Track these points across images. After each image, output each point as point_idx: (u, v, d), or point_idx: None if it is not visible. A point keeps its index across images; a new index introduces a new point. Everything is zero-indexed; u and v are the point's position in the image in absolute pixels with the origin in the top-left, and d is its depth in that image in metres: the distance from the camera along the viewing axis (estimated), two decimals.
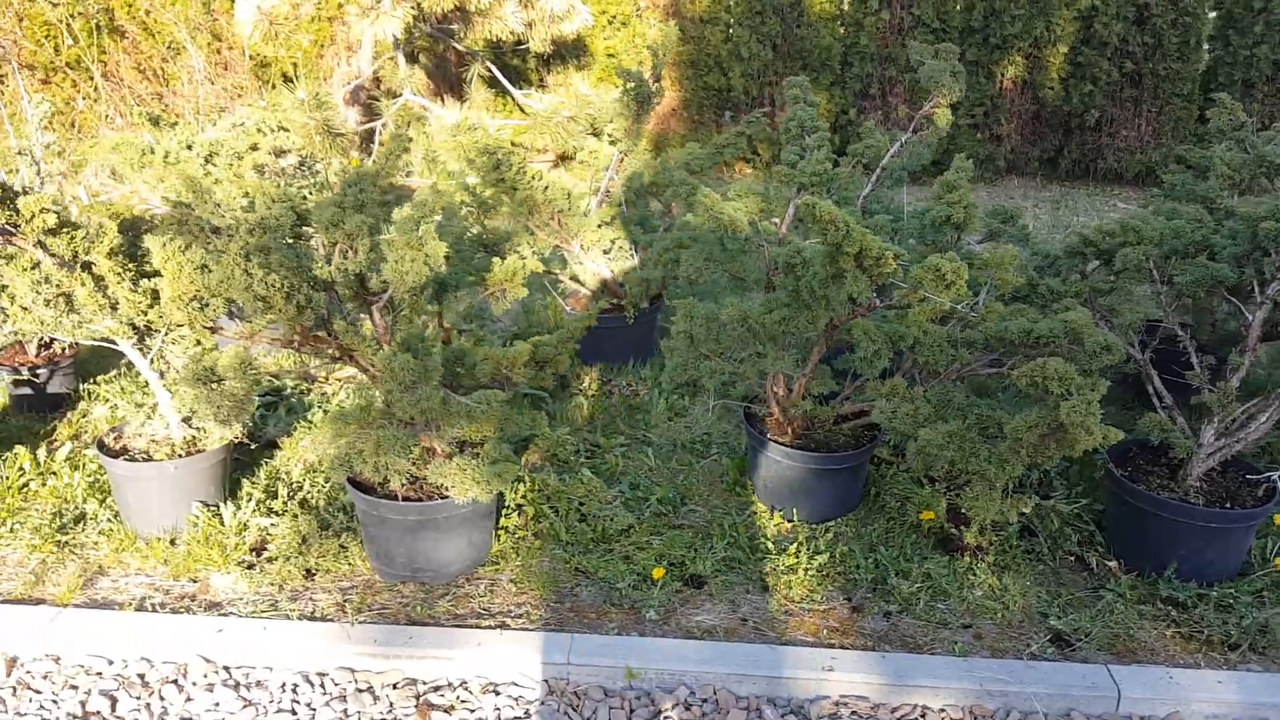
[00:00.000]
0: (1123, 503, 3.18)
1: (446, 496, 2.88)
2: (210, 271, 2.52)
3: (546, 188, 4.05)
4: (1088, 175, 10.03)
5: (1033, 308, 3.25)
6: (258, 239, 2.55)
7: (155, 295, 3.20)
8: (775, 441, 3.39)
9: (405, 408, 2.60)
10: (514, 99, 9.14)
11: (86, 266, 3.13)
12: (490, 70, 9.19)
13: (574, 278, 4.58)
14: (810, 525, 3.42)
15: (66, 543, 3.23)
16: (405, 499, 2.93)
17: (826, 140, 3.34)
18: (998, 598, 3.03)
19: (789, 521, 3.44)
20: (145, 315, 3.18)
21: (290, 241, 2.72)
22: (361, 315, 2.91)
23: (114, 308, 3.15)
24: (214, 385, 2.50)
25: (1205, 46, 9.39)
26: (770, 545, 3.25)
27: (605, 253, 4.46)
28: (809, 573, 3.11)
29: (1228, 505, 3.03)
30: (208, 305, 2.55)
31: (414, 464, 2.89)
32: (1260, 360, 3.09)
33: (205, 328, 2.55)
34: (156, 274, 3.24)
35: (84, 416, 4.12)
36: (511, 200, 4.10)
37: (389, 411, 2.74)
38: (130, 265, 3.18)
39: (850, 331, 2.99)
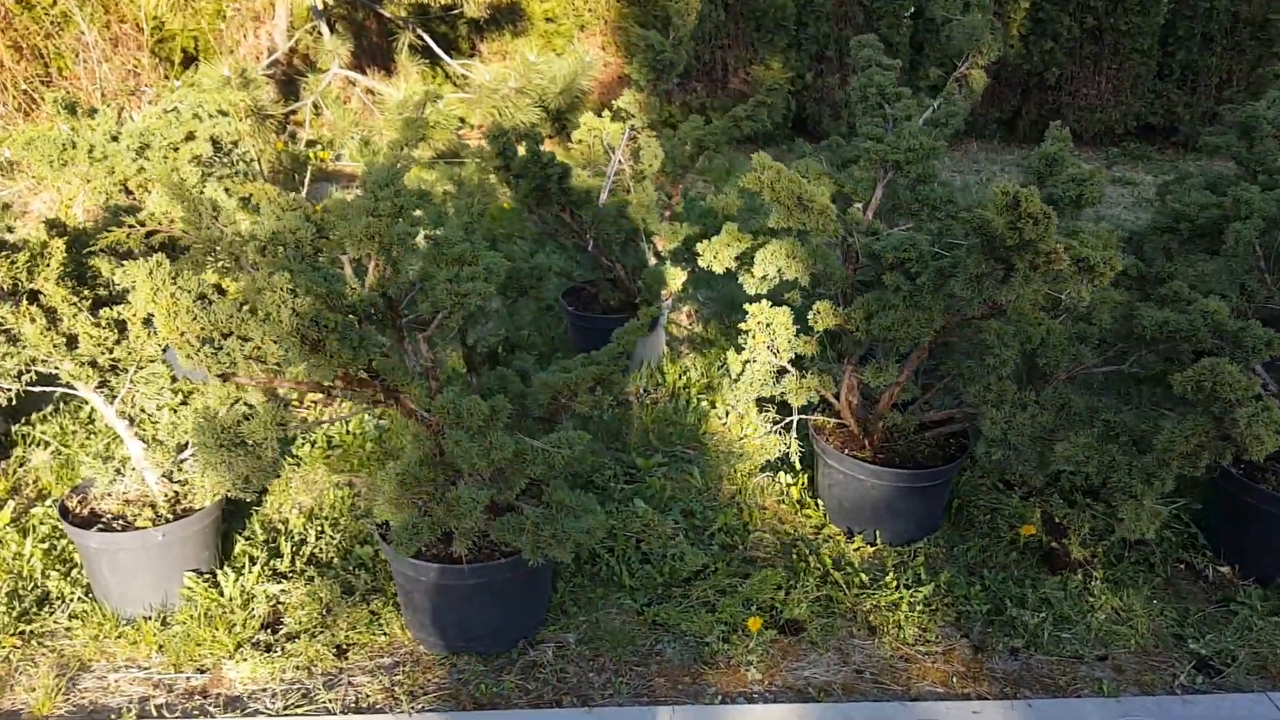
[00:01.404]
0: (1237, 503, 2.91)
1: (512, 554, 2.42)
2: (215, 305, 1.98)
3: (560, 176, 3.55)
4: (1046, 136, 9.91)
5: (1128, 293, 2.94)
6: (275, 259, 2.03)
7: (120, 326, 2.62)
8: (855, 457, 3.01)
9: (472, 458, 2.12)
10: (447, 70, 8.49)
11: (33, 297, 2.53)
12: (422, 39, 8.50)
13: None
14: (895, 549, 3.07)
15: (32, 633, 2.65)
16: (463, 560, 2.45)
17: (913, 109, 2.93)
18: (1124, 620, 2.73)
19: (870, 545, 3.08)
20: (110, 352, 2.60)
21: (314, 264, 2.19)
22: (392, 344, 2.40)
23: (70, 344, 2.57)
24: (238, 449, 1.97)
25: None
26: (864, 577, 2.88)
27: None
28: (915, 608, 2.76)
29: None
30: (221, 348, 2.02)
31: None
32: None
33: (225, 376, 2.02)
34: (116, 300, 2.67)
35: (21, 465, 3.48)
36: (516, 192, 3.59)
37: (445, 463, 2.26)
38: (84, 291, 2.60)
39: (962, 333, 2.62)
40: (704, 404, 3.94)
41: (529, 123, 8.43)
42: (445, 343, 2.39)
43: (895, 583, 2.85)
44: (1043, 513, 3.14)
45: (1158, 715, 2.37)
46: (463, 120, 8.14)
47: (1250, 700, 2.41)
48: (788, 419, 3.21)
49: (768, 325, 2.82)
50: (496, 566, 2.43)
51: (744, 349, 2.93)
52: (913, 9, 9.21)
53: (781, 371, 2.93)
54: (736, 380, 2.96)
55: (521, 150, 3.60)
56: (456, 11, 8.58)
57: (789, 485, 3.35)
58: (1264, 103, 4.41)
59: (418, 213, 2.30)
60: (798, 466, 3.41)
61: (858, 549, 3.06)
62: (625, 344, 2.73)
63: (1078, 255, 1.98)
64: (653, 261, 4.09)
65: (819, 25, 9.28)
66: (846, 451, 3.05)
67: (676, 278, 3.88)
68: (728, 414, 3.90)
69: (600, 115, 9.69)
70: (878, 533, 3.07)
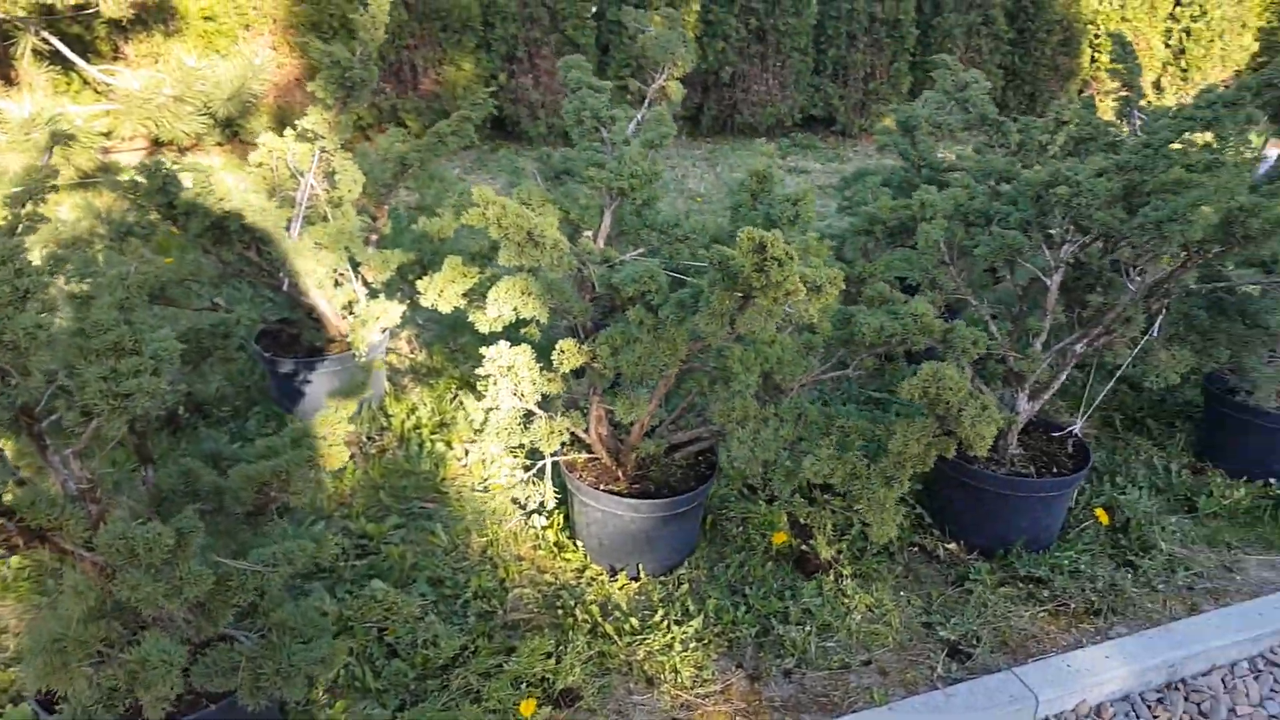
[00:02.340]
0: (955, 483, 3.13)
1: (224, 696, 1.99)
2: None
3: (237, 210, 3.05)
4: (725, 130, 10.49)
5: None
6: None
7: None
8: (612, 493, 2.86)
9: (158, 600, 1.68)
10: (85, 77, 7.31)
11: None
12: (49, 42, 7.24)
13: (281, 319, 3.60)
14: (659, 579, 2.97)
15: None
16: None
17: (625, 131, 2.80)
18: (879, 617, 2.82)
19: (634, 580, 2.96)
20: None
21: None
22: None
23: None
24: None
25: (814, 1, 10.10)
26: (634, 621, 2.74)
27: (336, 284, 3.54)
28: (689, 645, 2.66)
29: (1054, 471, 3.08)
30: None
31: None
32: (1060, 321, 3.15)
33: None
34: None
35: None
36: (187, 229, 3.05)
37: (120, 606, 1.79)
38: None
39: (703, 358, 2.54)
40: (439, 446, 3.62)
41: (194, 133, 7.48)
42: (105, 449, 1.89)
43: (665, 621, 2.74)
44: (789, 516, 3.19)
45: (926, 713, 2.45)
46: (108, 134, 7.04)
47: (1000, 680, 2.57)
48: (539, 463, 2.99)
49: (509, 368, 2.58)
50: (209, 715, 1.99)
51: (484, 395, 2.66)
52: (595, 9, 9.29)
53: (529, 415, 2.71)
54: (480, 431, 2.70)
55: (191, 182, 3.05)
56: (91, 10, 7.38)
57: (544, 528, 3.14)
58: (919, 101, 4.84)
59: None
60: (550, 507, 3.20)
61: (622, 587, 2.92)
62: (337, 419, 2.37)
63: (808, 280, 1.95)
64: (363, 294, 3.68)
65: (506, 26, 9.09)
66: (602, 487, 2.90)
67: (392, 311, 3.52)
68: (467, 454, 3.62)
69: (282, 123, 8.85)
70: (640, 565, 2.96)
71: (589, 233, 2.68)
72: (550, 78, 9.60)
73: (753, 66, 10.16)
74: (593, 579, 2.96)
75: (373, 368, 3.83)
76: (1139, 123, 4.60)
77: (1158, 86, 10.94)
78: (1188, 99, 10.73)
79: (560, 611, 2.79)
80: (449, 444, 3.66)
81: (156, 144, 7.66)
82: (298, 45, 8.43)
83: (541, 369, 2.68)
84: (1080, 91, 11.05)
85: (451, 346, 4.59)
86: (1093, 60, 10.76)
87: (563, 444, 2.90)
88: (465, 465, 3.56)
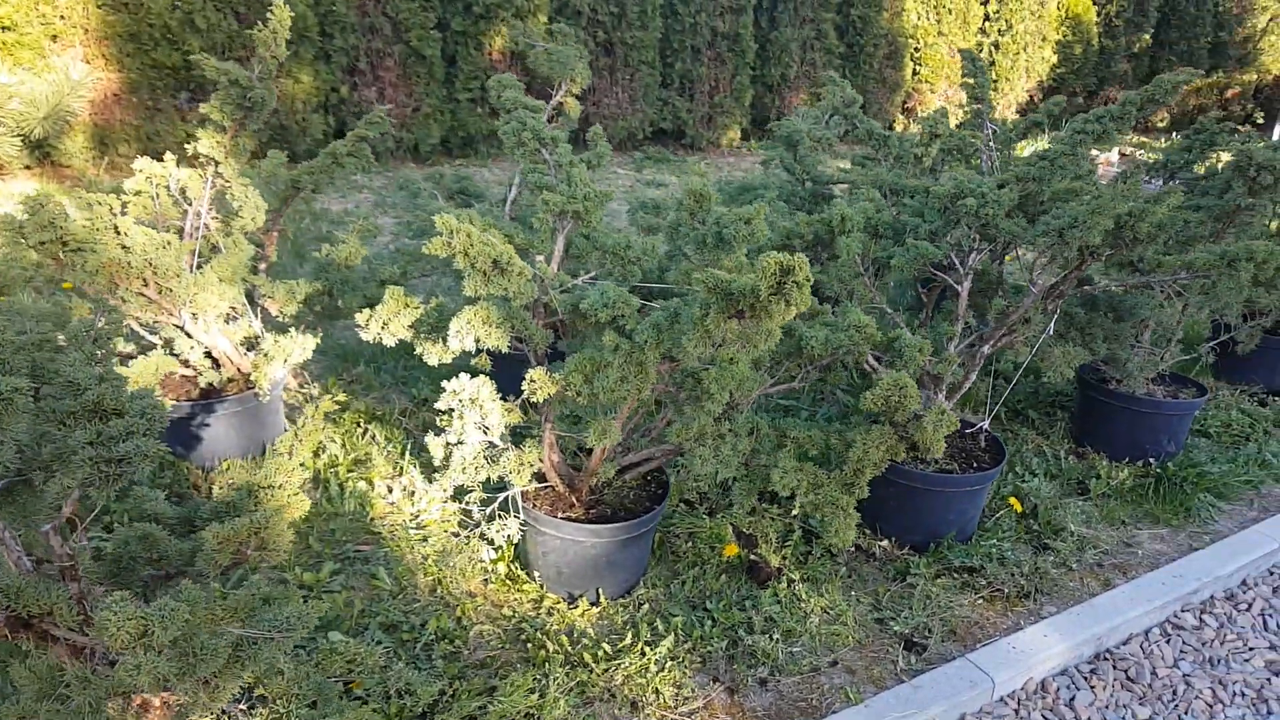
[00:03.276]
0: (888, 484, 3.28)
1: None
2: None
3: (132, 245, 2.78)
4: (576, 144, 10.54)
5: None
6: None
7: None
8: (570, 520, 2.82)
9: (167, 679, 1.52)
10: None
11: None
12: None
13: (181, 357, 3.31)
14: (618, 602, 2.95)
15: None
16: None
17: (571, 152, 2.77)
18: (835, 618, 2.92)
19: (594, 605, 2.93)
20: None
21: None
22: None
23: None
24: None
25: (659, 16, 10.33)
26: (605, 647, 2.72)
27: (226, 320, 3.28)
28: (665, 665, 2.67)
29: (974, 466, 3.30)
30: None
31: None
32: (971, 324, 3.38)
33: None
34: None
35: None
36: (82, 267, 2.75)
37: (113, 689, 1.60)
38: None
39: (673, 380, 2.55)
40: (359, 484, 3.44)
41: (5, 156, 6.77)
42: (85, 522, 1.68)
43: (637, 644, 2.73)
44: (733, 527, 3.26)
45: (899, 707, 2.57)
46: None
47: (958, 668, 2.73)
48: (499, 495, 2.89)
49: (473, 401, 2.49)
50: None
51: (445, 431, 2.56)
52: (437, 22, 9.09)
53: (491, 447, 2.63)
54: (440, 470, 2.59)
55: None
56: None
57: (494, 561, 3.05)
58: (798, 117, 5.06)
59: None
60: (495, 539, 3.11)
61: (583, 613, 2.89)
62: (291, 465, 2.24)
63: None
64: (259, 327, 3.45)
65: (345, 36, 8.75)
66: (559, 515, 2.85)
67: (305, 345, 3.32)
68: (390, 490, 3.46)
69: (101, 143, 8.12)
70: (599, 590, 2.93)
71: (540, 257, 2.63)
72: (395, 90, 9.31)
73: (602, 80, 10.25)
74: (552, 608, 2.91)
75: (278, 402, 3.60)
76: (990, 132, 4.99)
77: None
78: (1000, 108, 11.70)
79: (529, 645, 2.72)
80: (369, 481, 3.49)
81: None
82: (114, 58, 7.78)
83: (502, 399, 2.61)
84: (904, 103, 11.84)
85: (346, 376, 4.38)
86: (914, 73, 11.56)
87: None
88: (393, 502, 3.40)
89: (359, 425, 3.84)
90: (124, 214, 2.81)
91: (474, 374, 2.58)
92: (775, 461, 2.67)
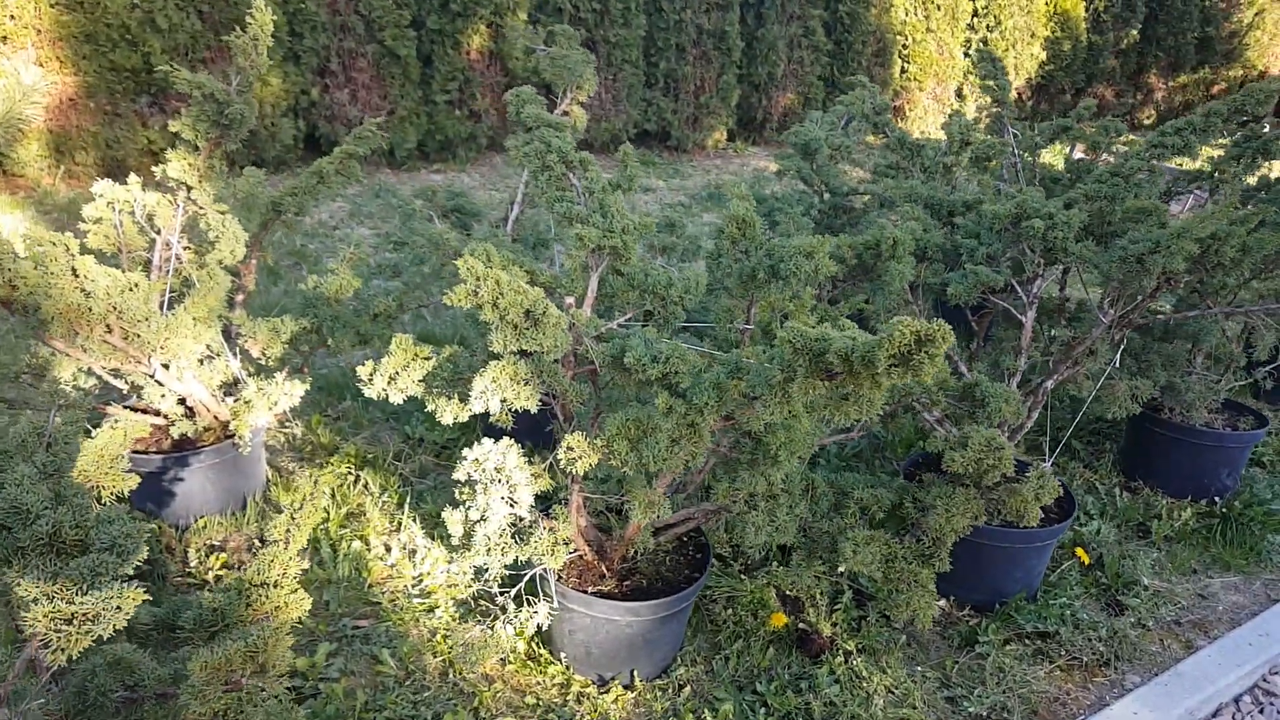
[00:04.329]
0: None
1: None
2: None
3: (93, 290, 2.38)
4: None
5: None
6: None
7: None
8: (602, 595, 2.47)
9: None
10: None
11: None
12: None
13: (146, 408, 2.91)
14: (655, 684, 2.61)
15: None
16: None
17: (602, 176, 2.41)
18: (902, 699, 2.60)
19: (628, 689, 2.58)
20: None
21: None
22: None
23: None
24: None
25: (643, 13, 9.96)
26: None
27: (201, 362, 2.89)
28: None
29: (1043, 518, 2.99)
30: None
31: None
32: (1035, 356, 3.07)
33: None
34: None
35: None
36: (35, 314, 2.35)
37: None
38: None
39: (742, 441, 2.20)
40: (354, 543, 3.07)
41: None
42: (36, 689, 1.32)
43: None
44: (776, 590, 2.93)
45: None
46: None
47: None
48: (523, 572, 2.53)
49: (498, 471, 2.13)
50: None
51: (464, 504, 2.20)
52: (412, 19, 8.67)
53: (518, 522, 2.27)
54: (462, 547, 2.23)
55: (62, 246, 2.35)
56: None
57: (512, 638, 2.69)
58: (811, 122, 4.73)
59: None
60: (511, 609, 2.75)
61: (617, 700, 2.54)
62: (288, 557, 1.88)
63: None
64: (237, 369, 3.05)
65: (316, 36, 8.30)
66: (590, 590, 2.50)
67: (293, 391, 2.93)
68: (388, 550, 3.09)
69: (58, 151, 7.62)
70: (634, 672, 2.59)
71: (571, 299, 2.28)
72: (369, 92, 8.89)
73: None
74: (581, 694, 2.56)
75: (260, 448, 3.22)
76: (1013, 137, 4.70)
77: (960, 94, 11.64)
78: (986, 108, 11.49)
79: None
80: (364, 539, 3.12)
81: None
82: (69, 60, 7.28)
83: (528, 462, 2.25)
84: (893, 102, 11.58)
85: (331, 414, 3.99)
86: (903, 71, 11.30)
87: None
88: (392, 565, 3.03)
89: (349, 473, 3.45)
90: (83, 252, 2.41)
91: (496, 434, 2.22)
92: (842, 530, 2.33)
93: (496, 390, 2.06)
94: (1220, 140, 3.40)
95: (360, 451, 3.61)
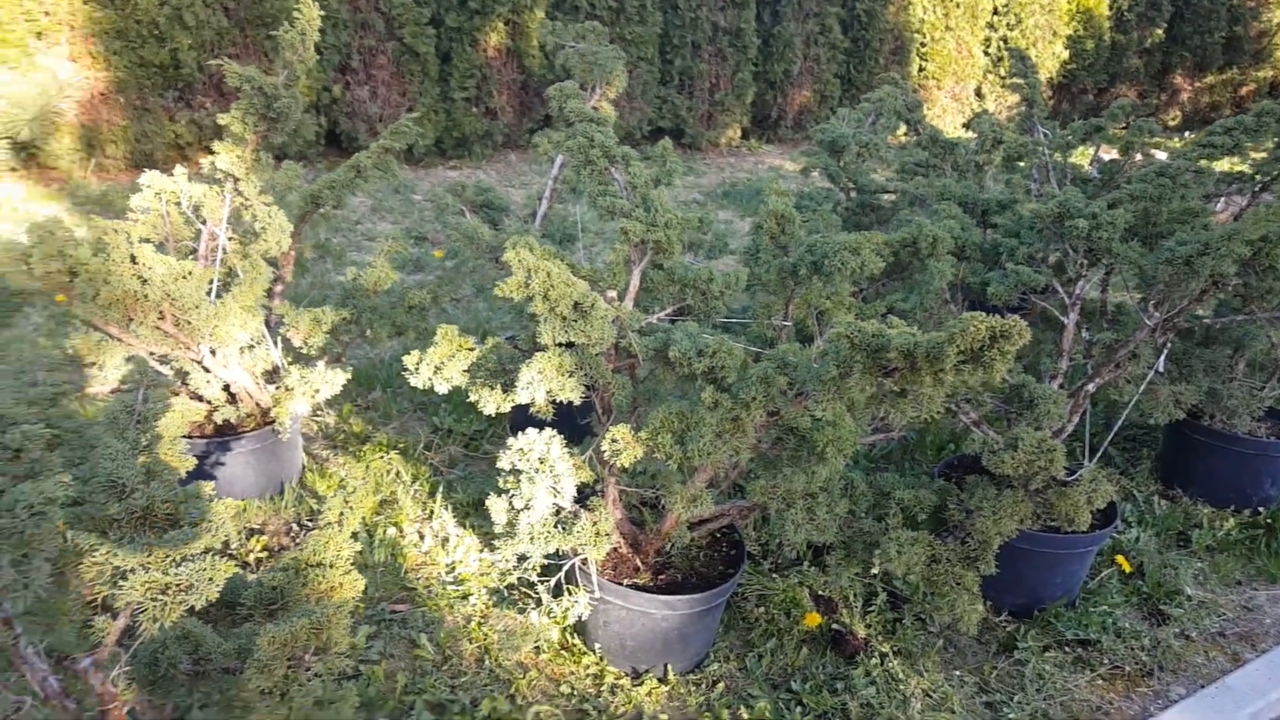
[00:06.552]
0: None
1: None
2: None
3: (150, 277, 2.40)
4: None
5: None
6: None
7: None
8: (638, 588, 2.48)
9: None
10: None
11: None
12: None
13: (191, 393, 2.92)
14: (688, 679, 2.61)
15: None
16: None
17: (644, 171, 2.41)
18: (940, 704, 2.58)
19: (661, 683, 2.58)
20: None
21: None
22: None
23: None
24: None
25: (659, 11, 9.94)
26: None
27: (249, 349, 2.90)
28: None
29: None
30: None
31: None
32: (1076, 358, 3.05)
33: None
34: None
35: None
36: (94, 299, 2.37)
37: None
38: None
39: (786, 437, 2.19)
40: (389, 530, 3.08)
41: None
42: (120, 659, 1.33)
43: None
44: (809, 590, 2.92)
45: None
46: None
47: None
48: (561, 562, 2.53)
49: (541, 461, 2.13)
50: None
51: (508, 491, 2.20)
52: (431, 17, 8.68)
53: (560, 512, 2.27)
54: (505, 535, 2.23)
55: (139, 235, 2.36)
56: None
57: (545, 627, 2.69)
58: (838, 119, 4.71)
59: None
60: (543, 598, 2.76)
61: (650, 693, 2.54)
62: (342, 538, 1.90)
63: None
64: (278, 358, 3.07)
65: (337, 33, 8.33)
66: (626, 582, 2.50)
67: (334, 379, 2.95)
68: (422, 538, 3.10)
69: (89, 144, 7.68)
70: (668, 666, 2.59)
71: (613, 293, 2.28)
72: (389, 89, 8.91)
73: None
74: (615, 685, 2.57)
75: (297, 434, 3.23)
76: (1043, 136, 4.68)
77: (979, 94, 11.58)
78: (1006, 106, 11.43)
79: None
80: (398, 527, 3.13)
81: None
82: (101, 56, 7.32)
83: (570, 454, 2.24)
84: None
85: (362, 404, 4.00)
86: (921, 70, 11.25)
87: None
88: (425, 552, 3.04)
89: (382, 460, 3.47)
90: (143, 241, 2.43)
91: (521, 427, 2.23)
92: (884, 530, 2.33)
93: (542, 381, 2.06)
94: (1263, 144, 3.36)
95: (391, 441, 3.63)
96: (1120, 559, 3.12)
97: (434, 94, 8.95)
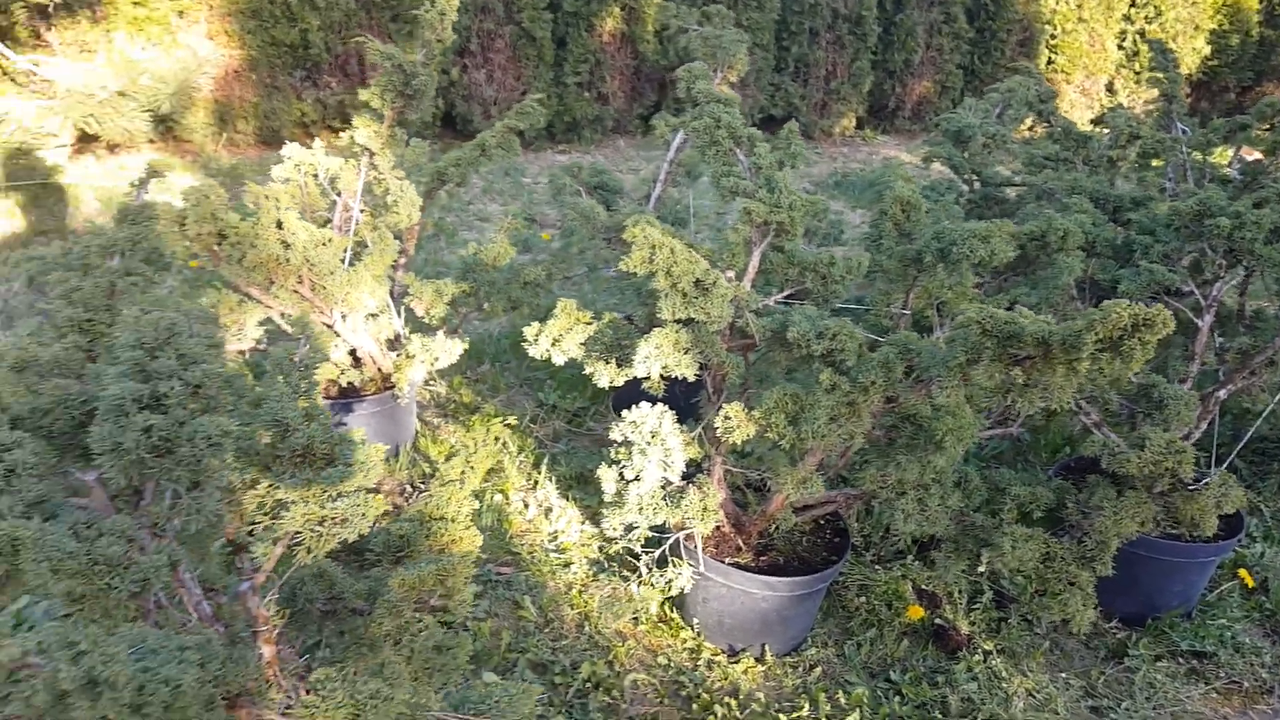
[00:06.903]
0: None
1: None
2: None
3: (293, 243, 2.54)
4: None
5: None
6: None
7: None
8: (739, 567, 2.49)
9: None
10: (4, 67, 6.49)
11: None
12: None
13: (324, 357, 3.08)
14: (785, 661, 2.62)
15: None
16: None
17: (769, 153, 2.42)
18: (1044, 705, 2.53)
19: (758, 662, 2.59)
20: None
21: None
22: None
23: None
24: None
25: None
26: (781, 717, 2.38)
27: (373, 316, 3.04)
28: None
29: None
30: None
31: None
32: (1209, 363, 2.92)
33: None
34: None
35: None
36: (239, 261, 2.52)
37: None
38: None
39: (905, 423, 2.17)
40: (496, 496, 3.18)
41: (135, 131, 6.73)
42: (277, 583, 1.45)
43: (816, 717, 2.39)
44: (912, 584, 2.88)
45: None
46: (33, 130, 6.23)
47: None
48: (664, 536, 2.57)
49: (654, 435, 2.17)
50: None
51: (618, 462, 2.25)
52: (549, 2, 8.80)
53: (667, 486, 2.31)
54: (614, 504, 2.28)
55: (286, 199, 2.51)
56: None
57: (645, 600, 2.74)
58: (964, 109, 4.59)
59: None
60: (644, 571, 2.80)
61: (746, 671, 2.56)
62: (464, 494, 1.97)
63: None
64: (400, 327, 3.19)
65: (460, 16, 8.52)
66: (727, 560, 2.52)
67: (453, 349, 3.05)
68: (526, 506, 3.19)
69: (222, 119, 8.05)
70: (766, 646, 2.60)
71: (731, 273, 2.29)
72: (504, 73, 9.07)
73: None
74: (711, 661, 2.59)
75: (412, 401, 3.36)
76: (1182, 133, 4.46)
77: (1110, 89, 11.08)
78: (1141, 104, 10.92)
79: (693, 705, 2.41)
80: (504, 494, 3.23)
81: (83, 141, 6.86)
82: (236, 34, 7.69)
83: (681, 430, 2.28)
84: None
85: (471, 376, 4.12)
86: (1049, 62, 10.82)
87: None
88: (529, 520, 3.13)
89: (489, 430, 3.57)
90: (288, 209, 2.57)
91: (624, 405, 2.26)
92: (998, 526, 2.28)
93: (659, 356, 2.09)
94: None
95: (499, 412, 3.73)
96: (1243, 573, 2.97)
97: (548, 78, 9.08)
